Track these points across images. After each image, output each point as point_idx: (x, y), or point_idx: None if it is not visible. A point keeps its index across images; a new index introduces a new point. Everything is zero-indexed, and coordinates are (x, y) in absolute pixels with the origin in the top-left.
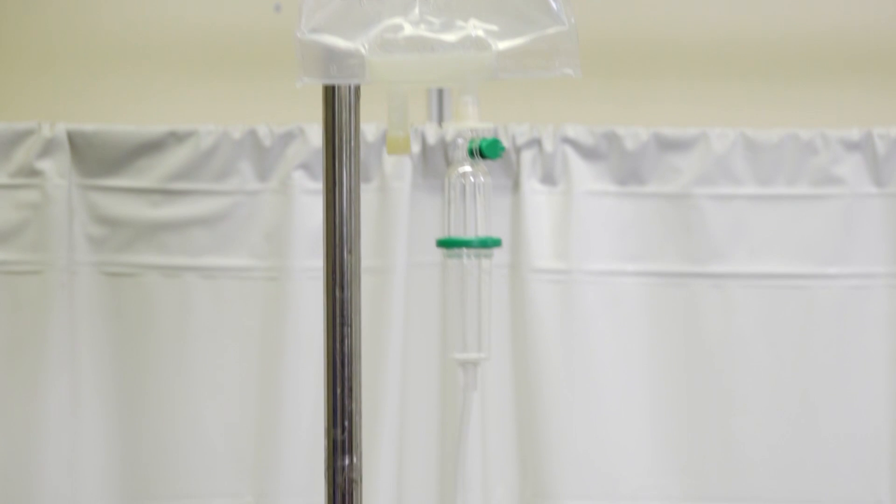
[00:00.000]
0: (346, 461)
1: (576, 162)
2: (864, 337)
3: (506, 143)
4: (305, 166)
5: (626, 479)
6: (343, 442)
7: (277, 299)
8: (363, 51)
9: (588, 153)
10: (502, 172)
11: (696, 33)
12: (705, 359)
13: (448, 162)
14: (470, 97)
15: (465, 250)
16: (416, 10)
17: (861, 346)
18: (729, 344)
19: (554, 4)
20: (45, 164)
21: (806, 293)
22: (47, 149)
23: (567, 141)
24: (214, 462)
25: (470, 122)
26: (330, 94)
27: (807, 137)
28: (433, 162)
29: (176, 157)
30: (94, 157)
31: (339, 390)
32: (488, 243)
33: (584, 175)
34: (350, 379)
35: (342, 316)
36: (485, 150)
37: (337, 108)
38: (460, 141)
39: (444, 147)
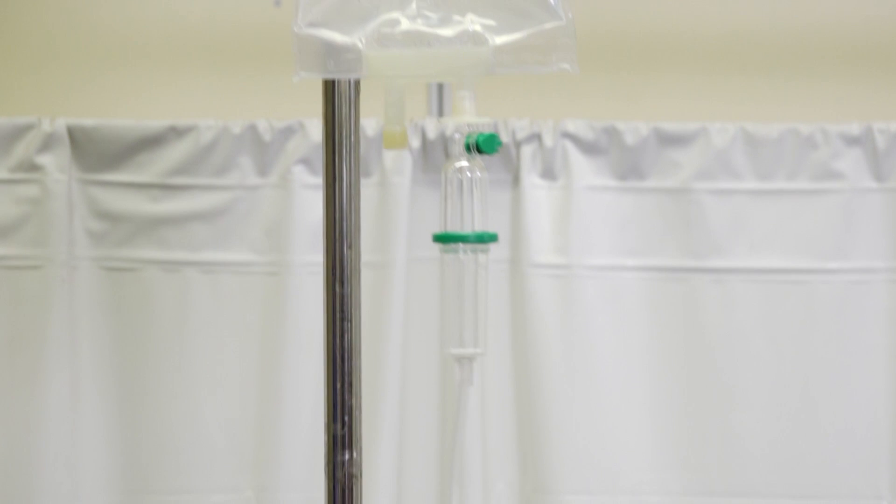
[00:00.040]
0: (346, 456)
1: (576, 157)
2: (864, 331)
3: (506, 137)
4: (305, 161)
5: (627, 473)
6: (343, 437)
7: (277, 294)
8: (360, 45)
9: (588, 148)
10: (502, 167)
11: (695, 28)
12: (705, 353)
13: (447, 157)
14: (467, 92)
15: (461, 245)
16: (413, 5)
17: (861, 341)
18: (729, 339)
19: None
20: (45, 159)
21: (806, 288)
22: (47, 143)
23: (567, 136)
24: (214, 457)
25: (467, 116)
26: (330, 88)
27: (807, 132)
28: (433, 157)
29: (176, 152)
30: (94, 152)
31: (338, 385)
32: (485, 238)
33: (584, 170)
34: (350, 374)
35: (342, 311)
36: (481, 145)
37: (337, 102)
38: (457, 136)
39: (445, 142)
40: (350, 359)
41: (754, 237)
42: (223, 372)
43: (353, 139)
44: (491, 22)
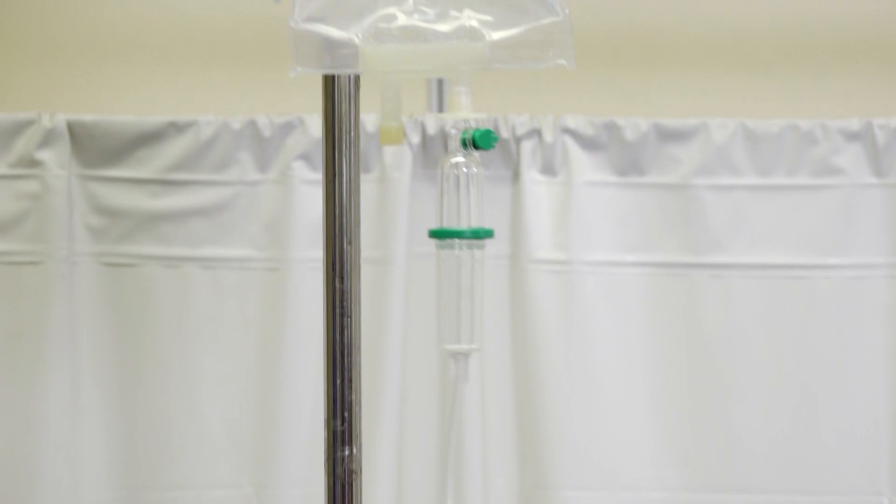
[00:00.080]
0: (346, 452)
1: (576, 152)
2: (864, 327)
3: (506, 133)
4: (305, 157)
5: (626, 469)
6: (343, 433)
7: (277, 290)
8: (357, 40)
9: (588, 144)
10: (502, 163)
11: (696, 24)
12: (705, 349)
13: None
14: (464, 88)
15: (457, 241)
16: (410, 0)
17: (861, 337)
18: (729, 334)
19: None
20: (45, 155)
21: (806, 284)
22: (47, 139)
23: (567, 131)
24: (214, 452)
25: (463, 112)
26: (330, 84)
27: (807, 128)
28: (433, 152)
29: (176, 148)
30: (94, 148)
31: (338, 381)
32: (480, 234)
33: (584, 165)
34: (350, 370)
35: (342, 306)
36: (478, 141)
37: (337, 98)
38: (453, 132)
39: (444, 137)
40: (350, 354)
41: (754, 233)
42: (223, 368)
43: (352, 135)
44: (487, 17)
